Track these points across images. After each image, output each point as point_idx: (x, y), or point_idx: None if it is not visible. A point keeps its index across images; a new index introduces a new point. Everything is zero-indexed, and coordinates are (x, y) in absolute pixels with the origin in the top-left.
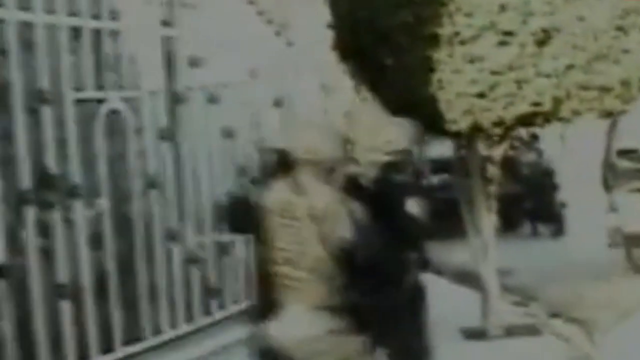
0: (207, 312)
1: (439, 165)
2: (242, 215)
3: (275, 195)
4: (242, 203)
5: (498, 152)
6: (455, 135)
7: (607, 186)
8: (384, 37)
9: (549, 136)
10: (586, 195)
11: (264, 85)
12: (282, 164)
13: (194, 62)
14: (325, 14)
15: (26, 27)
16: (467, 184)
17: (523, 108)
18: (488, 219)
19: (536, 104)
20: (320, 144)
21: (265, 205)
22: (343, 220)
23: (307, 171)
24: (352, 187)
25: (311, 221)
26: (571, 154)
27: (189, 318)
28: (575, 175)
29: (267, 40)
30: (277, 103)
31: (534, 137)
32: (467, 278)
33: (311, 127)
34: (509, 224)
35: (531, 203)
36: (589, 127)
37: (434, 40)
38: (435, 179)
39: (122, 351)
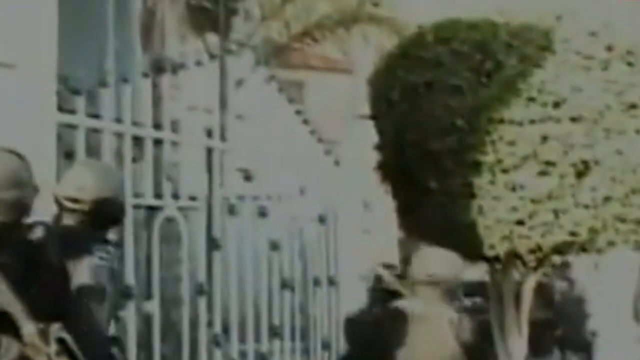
0: None
1: (472, 289)
2: None
3: None
4: None
5: (532, 279)
6: (492, 260)
7: (639, 319)
8: (430, 161)
9: (582, 265)
10: (617, 326)
11: (310, 201)
12: None
13: (246, 175)
14: (372, 135)
15: (94, 134)
16: (499, 308)
17: (560, 237)
18: (519, 345)
19: (573, 234)
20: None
21: None
22: None
23: None
24: None
25: None
26: (604, 284)
27: None
28: (607, 305)
29: (316, 158)
30: (321, 219)
31: (566, 265)
32: None
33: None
34: (538, 350)
35: (561, 331)
36: (622, 258)
37: (477, 166)
38: (467, 302)
39: None
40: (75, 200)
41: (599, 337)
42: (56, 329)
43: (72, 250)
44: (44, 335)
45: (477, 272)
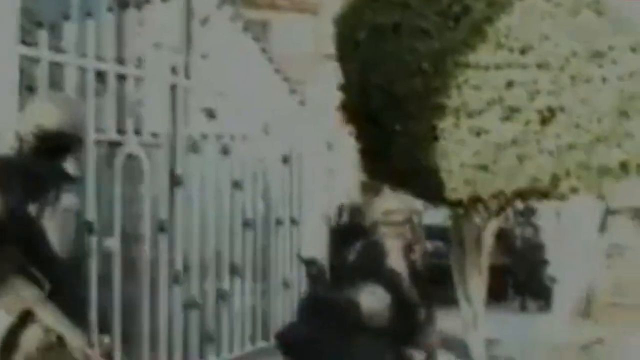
0: (203, 357)
1: (434, 232)
2: None
3: None
4: None
5: (494, 224)
6: (454, 204)
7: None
8: (394, 104)
9: (544, 212)
10: (576, 272)
11: (274, 141)
12: None
13: (209, 114)
14: (338, 76)
15: (56, 68)
16: (460, 252)
17: (523, 182)
18: (479, 288)
19: (536, 180)
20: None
21: None
22: None
23: None
24: None
25: None
26: (565, 230)
27: None
28: (567, 252)
29: (281, 97)
30: (285, 160)
31: (531, 211)
32: (454, 346)
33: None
34: (497, 295)
35: (521, 276)
36: (584, 205)
37: (442, 110)
38: (429, 246)
39: None
40: (35, 135)
41: (557, 283)
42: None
43: (33, 183)
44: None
45: (439, 217)
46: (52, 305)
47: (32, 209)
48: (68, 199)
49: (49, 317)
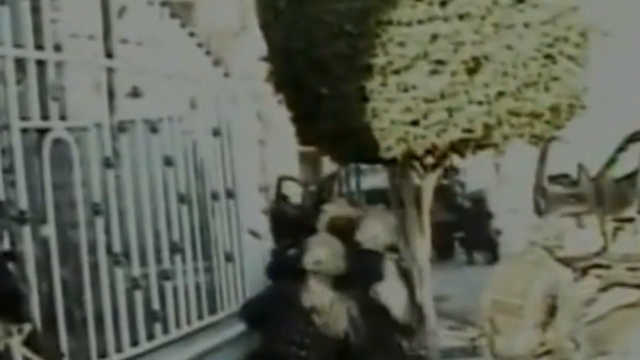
0: (151, 336)
1: (373, 196)
2: None
3: None
4: None
5: (431, 180)
6: (390, 163)
7: (539, 212)
8: (319, 67)
9: (481, 165)
10: (520, 222)
11: (203, 115)
12: None
13: (134, 93)
14: (261, 46)
15: None
16: (401, 212)
17: (455, 135)
18: (423, 247)
19: (468, 131)
20: None
21: None
22: None
23: None
24: None
25: None
26: (505, 182)
27: (134, 342)
28: (509, 203)
29: (205, 71)
30: (215, 132)
31: (454, 170)
32: None
33: None
34: (443, 252)
35: (465, 231)
36: (522, 155)
37: (368, 70)
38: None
39: None
40: None
41: (503, 235)
42: None
43: None
44: None
45: (377, 180)
46: None
47: None
48: None
49: None
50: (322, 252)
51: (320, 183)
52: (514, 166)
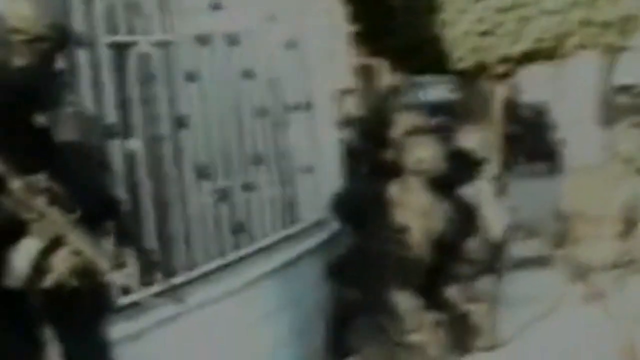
0: (237, 247)
1: (437, 109)
2: None
3: None
4: None
5: (501, 91)
6: (460, 74)
7: (605, 123)
8: None
9: (543, 77)
10: (585, 133)
11: (279, 28)
12: None
13: (215, 6)
14: None
15: None
16: (469, 125)
17: (527, 45)
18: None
19: (540, 41)
20: None
21: None
22: None
23: None
24: None
25: None
26: (568, 93)
27: (221, 253)
28: (575, 114)
29: None
30: (290, 45)
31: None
32: None
33: None
34: (507, 164)
35: (528, 142)
36: (586, 66)
37: None
38: (433, 122)
39: (161, 284)
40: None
41: (566, 145)
42: (42, 180)
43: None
44: (30, 188)
45: (441, 93)
46: (82, 229)
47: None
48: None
49: (79, 241)
50: (424, 151)
51: (381, 96)
52: (576, 78)
